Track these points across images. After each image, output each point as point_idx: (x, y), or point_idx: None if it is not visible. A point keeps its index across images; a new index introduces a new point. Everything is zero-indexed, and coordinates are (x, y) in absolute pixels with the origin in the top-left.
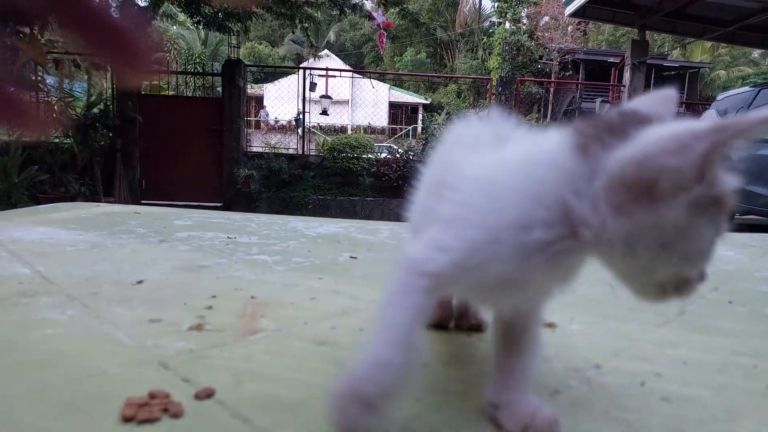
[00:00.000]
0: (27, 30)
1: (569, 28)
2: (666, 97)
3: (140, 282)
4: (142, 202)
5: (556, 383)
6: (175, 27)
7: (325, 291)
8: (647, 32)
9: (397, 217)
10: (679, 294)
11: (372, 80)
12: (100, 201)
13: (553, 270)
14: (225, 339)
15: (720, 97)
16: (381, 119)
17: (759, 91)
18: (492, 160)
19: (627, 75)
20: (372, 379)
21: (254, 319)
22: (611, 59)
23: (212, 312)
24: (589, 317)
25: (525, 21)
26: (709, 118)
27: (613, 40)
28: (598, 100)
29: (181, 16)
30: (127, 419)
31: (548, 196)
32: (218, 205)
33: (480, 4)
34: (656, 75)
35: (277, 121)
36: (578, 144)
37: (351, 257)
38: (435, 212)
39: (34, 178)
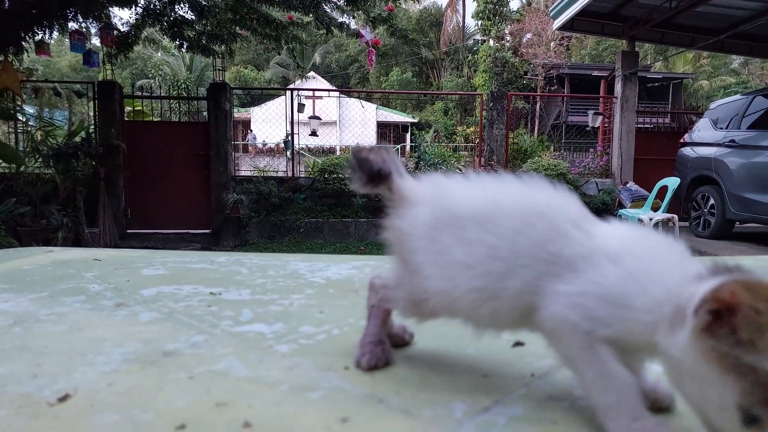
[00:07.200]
0: (1, 57)
1: (552, 44)
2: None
3: (63, 399)
4: (128, 231)
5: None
6: (159, 53)
7: (359, 397)
8: (636, 43)
9: None
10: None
11: (361, 100)
12: (84, 232)
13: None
14: None
15: (713, 105)
16: (369, 139)
17: (753, 98)
18: (626, 270)
19: (618, 86)
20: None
21: None
22: (596, 73)
23: None
24: None
25: (508, 38)
26: (702, 126)
27: (596, 54)
28: (591, 112)
29: (165, 41)
30: None
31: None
32: (207, 232)
33: (464, 22)
34: (640, 87)
35: (265, 144)
36: None
37: None
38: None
39: (14, 210)
